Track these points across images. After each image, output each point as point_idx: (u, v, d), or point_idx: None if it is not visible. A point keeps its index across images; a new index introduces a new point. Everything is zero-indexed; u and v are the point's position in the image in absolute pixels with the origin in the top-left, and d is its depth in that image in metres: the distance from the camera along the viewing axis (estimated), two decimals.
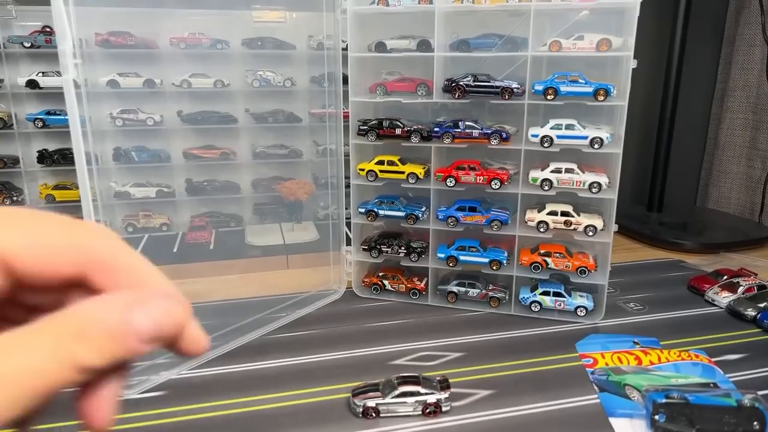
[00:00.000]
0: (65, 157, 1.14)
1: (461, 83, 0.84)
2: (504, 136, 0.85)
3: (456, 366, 0.72)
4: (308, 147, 1.17)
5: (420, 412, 0.63)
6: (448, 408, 0.64)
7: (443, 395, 0.63)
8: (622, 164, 0.80)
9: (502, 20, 0.85)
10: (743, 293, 0.91)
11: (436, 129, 0.88)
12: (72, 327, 0.20)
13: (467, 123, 0.86)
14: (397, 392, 0.63)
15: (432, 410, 0.63)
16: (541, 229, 0.86)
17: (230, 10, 1.06)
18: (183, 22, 1.03)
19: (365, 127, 0.90)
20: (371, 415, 0.63)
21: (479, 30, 0.86)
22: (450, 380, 0.67)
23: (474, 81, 0.84)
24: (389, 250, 0.94)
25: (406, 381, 0.64)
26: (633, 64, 0.76)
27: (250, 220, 1.16)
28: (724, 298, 0.91)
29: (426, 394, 0.63)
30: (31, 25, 1.11)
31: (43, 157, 1.14)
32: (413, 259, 0.93)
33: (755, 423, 0.54)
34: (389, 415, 0.63)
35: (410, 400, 0.63)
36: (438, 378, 0.66)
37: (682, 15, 1.30)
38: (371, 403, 0.63)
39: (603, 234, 0.84)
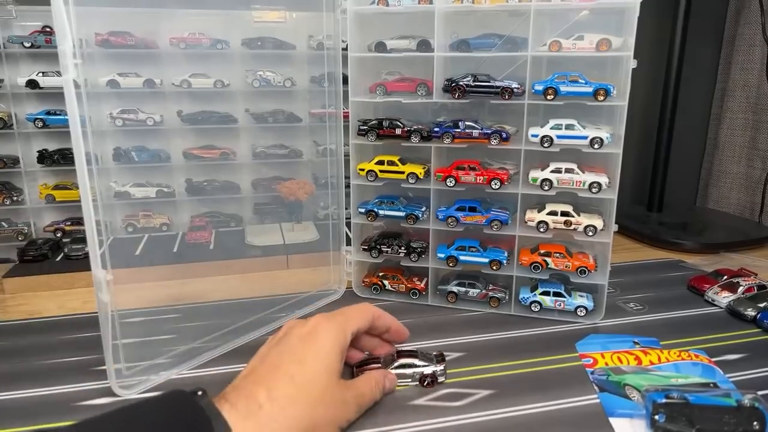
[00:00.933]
0: (65, 157, 1.14)
1: (461, 83, 0.84)
2: (504, 136, 0.85)
3: (456, 366, 0.72)
4: (308, 147, 1.17)
5: (417, 383, 0.67)
6: (443, 379, 0.68)
7: (439, 367, 0.68)
8: (622, 164, 0.80)
9: (502, 20, 0.85)
10: (743, 293, 0.91)
11: (436, 129, 0.88)
12: (375, 380, 0.62)
13: (467, 123, 0.86)
14: (396, 364, 0.67)
15: (429, 381, 0.67)
16: (541, 229, 0.86)
17: (230, 10, 1.06)
18: (183, 22, 1.03)
19: (365, 127, 0.90)
20: None
21: (479, 30, 0.86)
22: (450, 380, 0.68)
23: (474, 81, 0.84)
24: (389, 250, 0.94)
25: (404, 354, 0.69)
26: (633, 64, 0.76)
27: (250, 220, 1.16)
28: (724, 298, 0.91)
29: (423, 366, 0.67)
30: (31, 25, 1.10)
31: (43, 157, 1.13)
32: (413, 259, 0.93)
33: (755, 423, 0.54)
34: None
35: (409, 371, 0.67)
36: (434, 353, 0.70)
37: (682, 15, 1.30)
38: None
39: (603, 234, 0.84)
